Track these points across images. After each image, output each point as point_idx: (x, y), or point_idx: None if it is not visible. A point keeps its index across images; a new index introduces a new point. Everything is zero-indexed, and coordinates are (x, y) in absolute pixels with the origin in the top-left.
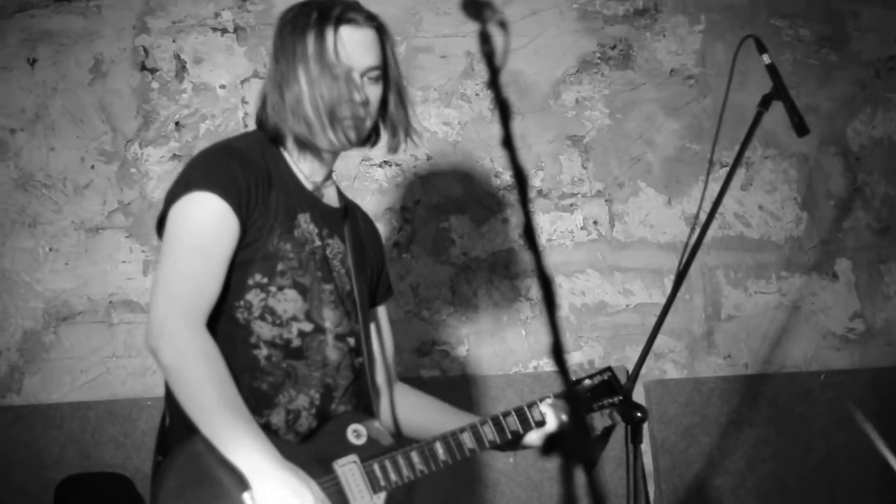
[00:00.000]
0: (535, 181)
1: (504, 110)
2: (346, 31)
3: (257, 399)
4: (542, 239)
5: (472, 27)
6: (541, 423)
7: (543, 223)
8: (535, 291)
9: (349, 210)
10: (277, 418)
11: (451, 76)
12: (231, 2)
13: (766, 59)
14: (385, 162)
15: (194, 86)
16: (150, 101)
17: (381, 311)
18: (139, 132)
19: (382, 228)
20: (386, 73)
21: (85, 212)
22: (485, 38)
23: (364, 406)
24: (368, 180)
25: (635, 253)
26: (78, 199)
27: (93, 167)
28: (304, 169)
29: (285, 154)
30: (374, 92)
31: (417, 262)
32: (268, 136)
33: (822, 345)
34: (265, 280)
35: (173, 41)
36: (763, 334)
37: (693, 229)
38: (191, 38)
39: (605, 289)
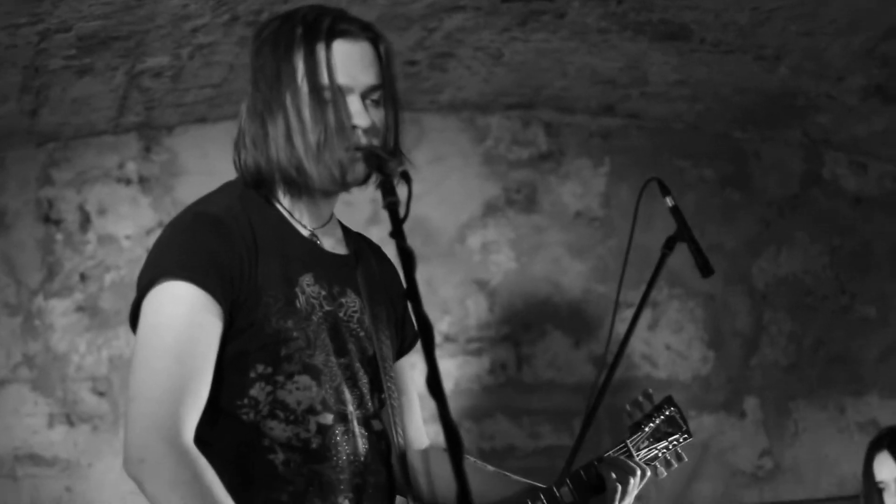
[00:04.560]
0: (442, 326)
1: (408, 261)
2: (340, 46)
3: None
4: (450, 384)
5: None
6: (599, 489)
7: (451, 368)
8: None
9: (360, 251)
10: None
11: (356, 223)
12: (135, 152)
13: (668, 202)
14: None
15: (99, 237)
16: (54, 253)
17: (405, 364)
18: (43, 284)
19: None
20: (386, 92)
21: None
22: (387, 190)
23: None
24: None
25: (543, 395)
26: None
27: None
28: (300, 215)
29: (275, 201)
30: (377, 116)
31: None
32: (249, 182)
33: (731, 482)
34: (269, 370)
35: (77, 192)
36: (672, 473)
37: (600, 371)
38: (95, 189)
39: (513, 433)
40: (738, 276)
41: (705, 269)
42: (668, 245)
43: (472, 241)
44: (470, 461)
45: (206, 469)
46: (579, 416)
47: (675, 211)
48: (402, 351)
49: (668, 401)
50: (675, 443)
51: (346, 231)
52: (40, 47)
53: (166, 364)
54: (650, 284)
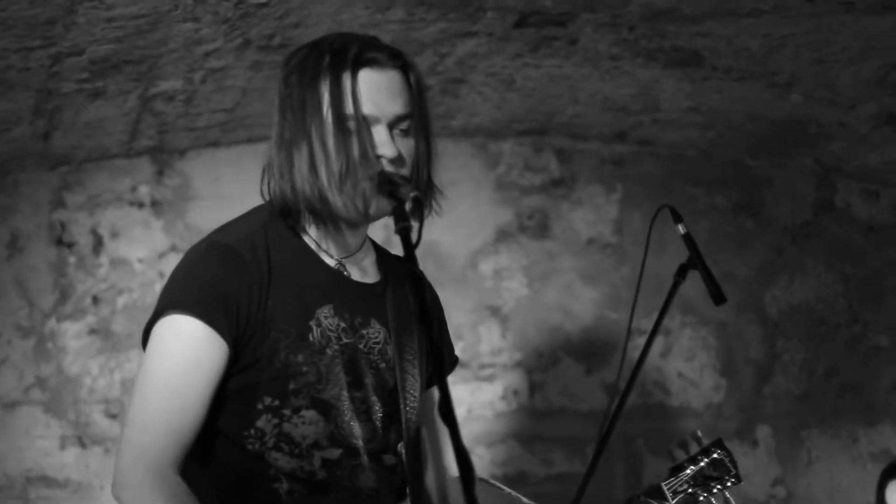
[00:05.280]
0: (455, 352)
1: (418, 286)
2: (366, 76)
3: None
4: (463, 410)
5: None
6: None
7: (463, 394)
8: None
9: (391, 278)
10: None
11: None
12: (148, 176)
13: (681, 229)
14: None
15: (111, 260)
16: (66, 276)
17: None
18: (56, 307)
19: None
20: (416, 121)
21: (1, 387)
22: (399, 216)
23: None
24: None
25: (555, 422)
26: None
27: (9, 342)
28: (327, 244)
29: (301, 230)
30: (405, 146)
31: None
32: (276, 211)
33: None
34: (276, 403)
35: (90, 216)
36: None
37: (613, 398)
38: (108, 212)
39: (525, 459)
40: (751, 304)
41: (717, 297)
42: (681, 273)
43: (484, 267)
44: (505, 492)
45: (185, 500)
46: (591, 443)
47: (688, 238)
48: (433, 379)
49: (718, 444)
50: (719, 488)
51: (382, 256)
52: (53, 70)
53: (160, 396)
54: (662, 312)
